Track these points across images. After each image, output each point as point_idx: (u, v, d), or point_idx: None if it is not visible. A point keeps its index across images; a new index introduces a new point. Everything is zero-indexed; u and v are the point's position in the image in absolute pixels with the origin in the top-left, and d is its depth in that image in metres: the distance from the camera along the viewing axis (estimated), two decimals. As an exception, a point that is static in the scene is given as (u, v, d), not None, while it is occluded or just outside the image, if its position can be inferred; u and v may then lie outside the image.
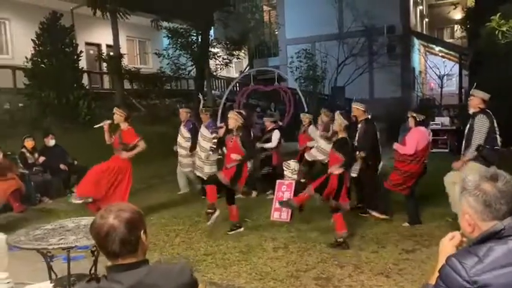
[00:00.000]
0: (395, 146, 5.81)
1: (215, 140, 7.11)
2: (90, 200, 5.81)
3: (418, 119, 5.73)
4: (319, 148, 6.73)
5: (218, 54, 18.50)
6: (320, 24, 20.80)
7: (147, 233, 1.70)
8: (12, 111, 12.55)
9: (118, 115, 6.23)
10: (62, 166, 8.48)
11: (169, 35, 17.29)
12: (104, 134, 6.24)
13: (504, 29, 5.25)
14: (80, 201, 5.84)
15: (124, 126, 6.24)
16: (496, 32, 5.30)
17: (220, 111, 12.57)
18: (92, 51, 18.45)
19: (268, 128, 8.06)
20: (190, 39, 17.36)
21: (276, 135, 7.74)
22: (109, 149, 6.29)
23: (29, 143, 8.29)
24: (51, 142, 8.67)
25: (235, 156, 5.66)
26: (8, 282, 2.66)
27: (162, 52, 17.85)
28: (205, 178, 7.36)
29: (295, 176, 6.73)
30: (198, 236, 5.72)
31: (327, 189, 5.04)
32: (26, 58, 12.83)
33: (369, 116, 6.40)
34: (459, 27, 22.40)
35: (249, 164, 6.21)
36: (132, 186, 6.30)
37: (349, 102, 11.79)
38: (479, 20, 9.65)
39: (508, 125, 7.30)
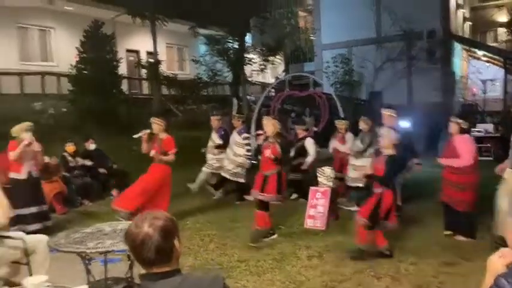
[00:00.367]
0: (445, 161, 5.45)
1: (248, 147, 7.17)
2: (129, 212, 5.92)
3: (463, 126, 5.41)
4: (355, 167, 6.74)
5: (254, 60, 18.61)
6: (357, 29, 20.52)
7: (181, 238, 1.71)
8: (56, 115, 13.07)
9: (156, 124, 6.30)
10: (101, 170, 8.74)
11: (207, 42, 17.57)
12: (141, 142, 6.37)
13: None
14: (124, 218, 5.76)
15: (163, 135, 6.32)
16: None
17: (255, 116, 12.60)
18: (132, 58, 19.00)
19: (300, 136, 7.99)
20: (226, 46, 17.56)
21: (310, 145, 7.65)
22: (147, 154, 6.42)
23: (70, 148, 8.59)
24: (91, 146, 8.95)
25: (270, 155, 5.53)
26: (47, 286, 2.73)
27: (199, 58, 18.16)
28: (229, 177, 7.51)
29: (331, 183, 6.63)
30: (232, 242, 5.72)
31: (373, 209, 4.80)
32: (71, 65, 13.38)
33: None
34: (504, 30, 21.52)
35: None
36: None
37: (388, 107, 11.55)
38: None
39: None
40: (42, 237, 3.97)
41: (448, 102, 21.05)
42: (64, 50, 15.76)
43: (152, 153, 6.31)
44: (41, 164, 6.40)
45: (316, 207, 6.38)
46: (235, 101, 8.87)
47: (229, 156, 7.78)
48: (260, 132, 6.15)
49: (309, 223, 6.32)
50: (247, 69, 18.57)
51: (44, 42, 16.75)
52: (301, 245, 5.46)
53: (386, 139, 4.90)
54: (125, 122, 13.24)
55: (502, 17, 22.42)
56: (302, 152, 7.65)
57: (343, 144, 7.68)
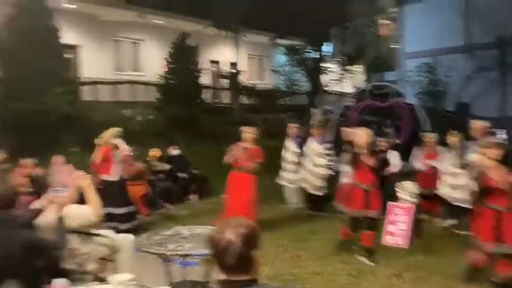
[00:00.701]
0: None
1: (330, 157, 7.04)
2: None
3: None
4: (456, 186, 6.30)
5: (332, 69, 18.41)
6: (443, 37, 19.42)
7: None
8: (143, 122, 13.91)
9: (248, 133, 6.28)
10: (182, 174, 9.12)
11: (286, 52, 17.75)
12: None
13: None
14: None
15: (251, 145, 6.28)
16: None
17: (333, 127, 12.40)
18: (215, 68, 19.74)
19: (383, 148, 7.69)
20: (304, 55, 17.59)
21: (394, 157, 7.34)
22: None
23: (155, 153, 9.07)
24: (174, 152, 9.39)
25: (371, 166, 5.22)
26: (132, 284, 2.88)
27: (278, 68, 18.37)
28: (314, 192, 7.36)
29: (415, 199, 6.28)
30: (307, 253, 5.64)
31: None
32: (160, 76, 14.27)
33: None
34: None
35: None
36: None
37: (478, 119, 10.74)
38: None
39: None
40: (129, 237, 4.21)
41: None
42: (152, 61, 16.81)
43: (239, 162, 6.24)
44: (133, 168, 6.82)
45: (397, 224, 6.08)
46: (314, 110, 8.81)
47: (308, 167, 7.68)
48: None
49: (388, 240, 6.04)
50: (325, 78, 18.41)
51: (135, 54, 17.98)
52: (380, 262, 5.23)
53: (494, 153, 4.29)
54: (206, 129, 13.74)
55: None
56: (384, 165, 7.36)
57: (432, 159, 7.24)
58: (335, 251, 5.56)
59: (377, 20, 23.41)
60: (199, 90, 14.78)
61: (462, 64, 18.84)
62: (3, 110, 10.06)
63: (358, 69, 20.54)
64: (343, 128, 7.81)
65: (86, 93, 13.65)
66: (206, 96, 16.14)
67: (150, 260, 4.40)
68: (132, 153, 6.58)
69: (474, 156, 4.90)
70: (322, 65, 17.79)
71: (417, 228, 6.20)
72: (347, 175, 6.27)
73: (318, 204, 7.72)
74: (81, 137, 10.22)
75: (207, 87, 16.51)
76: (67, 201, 3.54)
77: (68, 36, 12.59)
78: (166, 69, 14.31)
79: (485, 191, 4.26)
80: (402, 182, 6.67)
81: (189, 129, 13.40)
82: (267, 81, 21.02)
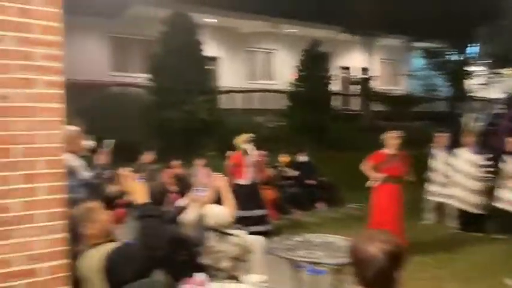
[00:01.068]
0: None
1: (488, 168, 6.32)
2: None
3: None
4: None
5: (478, 73, 16.68)
6: None
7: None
8: (274, 129, 14.33)
9: (394, 138, 5.75)
10: (309, 181, 9.12)
11: (424, 55, 16.64)
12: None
13: None
14: None
15: (397, 151, 5.77)
16: None
17: (481, 136, 11.18)
18: (345, 74, 19.45)
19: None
20: (445, 58, 16.25)
21: None
22: (357, 171, 6.25)
23: (284, 159, 9.24)
24: (302, 158, 9.45)
25: None
26: (265, 286, 2.93)
27: (413, 73, 17.32)
28: (470, 210, 6.67)
29: None
30: (450, 275, 5.12)
31: None
32: (290, 83, 14.58)
33: None
34: None
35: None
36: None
37: None
38: None
39: None
40: (260, 239, 4.33)
41: None
42: (284, 69, 17.26)
43: (387, 171, 5.75)
44: (264, 173, 7.05)
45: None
46: (465, 117, 8.03)
47: (459, 181, 6.98)
48: None
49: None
50: (470, 83, 16.75)
51: (267, 63, 18.67)
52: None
53: None
54: (334, 136, 13.56)
55: None
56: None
57: None
58: (483, 274, 4.97)
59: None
60: (329, 97, 14.70)
61: None
62: (154, 117, 11.35)
63: (510, 72, 18.27)
64: (509, 139, 6.92)
65: (223, 102, 14.58)
66: (335, 103, 15.98)
67: (278, 263, 4.46)
68: (262, 159, 6.79)
69: None
70: (465, 68, 16.23)
71: None
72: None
73: (471, 222, 6.91)
74: (218, 142, 10.97)
75: (336, 93, 16.34)
76: (207, 200, 3.78)
77: (209, 49, 13.60)
78: (297, 77, 14.53)
79: None
80: None
81: (317, 136, 13.38)
82: (401, 87, 19.96)
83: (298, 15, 15.84)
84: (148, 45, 13.90)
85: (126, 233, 3.34)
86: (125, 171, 2.62)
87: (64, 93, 2.39)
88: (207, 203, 3.79)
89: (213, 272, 3.85)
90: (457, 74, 15.96)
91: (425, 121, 16.49)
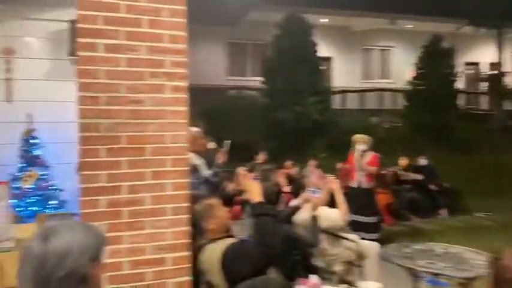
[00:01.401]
0: None
1: None
2: None
3: None
4: None
5: None
6: None
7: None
8: (390, 130, 13.71)
9: None
10: (432, 186, 8.51)
11: None
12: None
13: None
14: None
15: None
16: None
17: None
18: (470, 71, 17.83)
19: None
20: None
21: None
22: (486, 175, 5.71)
23: (402, 162, 8.77)
24: (422, 162, 8.87)
25: None
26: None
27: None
28: None
29: None
30: None
31: None
32: (407, 82, 13.81)
33: None
34: None
35: None
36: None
37: None
38: None
39: None
40: (375, 245, 4.18)
41: None
42: (401, 67, 16.41)
43: None
44: (378, 176, 6.73)
45: None
46: None
47: None
48: None
49: None
50: None
51: (383, 61, 17.93)
52: None
53: None
54: (458, 138, 12.50)
55: None
56: None
57: None
58: None
59: None
60: (453, 95, 13.59)
61: None
62: (267, 118, 11.67)
63: None
64: None
65: (336, 102, 14.38)
66: (459, 101, 14.71)
67: (394, 271, 4.25)
68: (376, 161, 6.50)
69: None
70: None
71: None
72: None
73: None
74: (330, 143, 10.86)
75: (461, 91, 15.04)
76: (320, 201, 3.76)
77: (322, 49, 13.54)
78: (415, 75, 13.70)
79: None
80: None
81: (438, 137, 12.46)
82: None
83: (415, 9, 14.90)
84: (263, 49, 14.32)
85: (241, 230, 3.48)
86: (242, 171, 2.73)
87: (187, 97, 2.57)
88: (320, 204, 3.77)
89: (325, 275, 3.82)
90: None
91: None
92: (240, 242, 2.51)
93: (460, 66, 15.01)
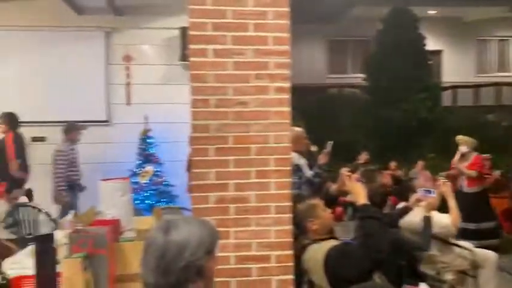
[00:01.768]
0: None
1: None
2: None
3: None
4: None
5: None
6: None
7: None
8: (508, 127, 12.44)
9: None
10: None
11: None
12: None
13: None
14: None
15: None
16: None
17: None
18: None
19: None
20: None
21: None
22: None
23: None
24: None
25: None
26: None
27: None
28: None
29: None
30: None
31: None
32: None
33: None
34: None
35: None
36: None
37: None
38: None
39: None
40: (492, 254, 3.83)
41: None
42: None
43: None
44: (491, 178, 6.21)
45: None
46: None
47: None
48: None
49: None
50: None
51: (501, 53, 16.26)
52: None
53: None
54: None
55: None
56: None
57: None
58: None
59: None
60: None
61: None
62: (369, 116, 11.30)
63: None
64: None
65: (446, 98, 13.43)
66: None
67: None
68: (485, 163, 5.93)
69: None
70: None
71: None
72: None
73: None
74: (438, 143, 10.16)
75: None
76: (434, 203, 3.54)
77: (430, 42, 12.75)
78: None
79: None
80: None
81: None
82: None
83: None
84: (365, 45, 13.90)
85: (343, 232, 3.42)
86: (346, 172, 2.69)
87: (290, 97, 2.60)
88: (435, 205, 3.56)
89: (434, 283, 3.60)
90: None
91: None
92: (344, 244, 2.48)
93: None
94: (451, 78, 14.45)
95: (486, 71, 15.97)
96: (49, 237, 1.94)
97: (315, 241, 2.55)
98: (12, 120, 5.73)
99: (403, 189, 5.45)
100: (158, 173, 6.65)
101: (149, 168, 6.59)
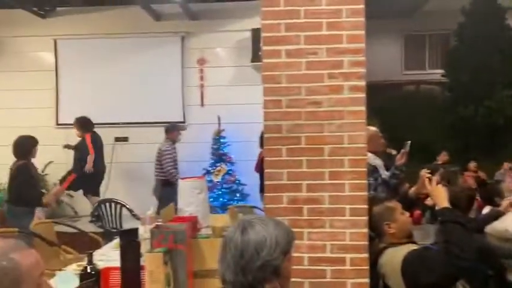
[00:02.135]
0: None
1: None
2: None
3: None
4: None
5: None
6: None
7: None
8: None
9: None
10: None
11: None
12: None
13: None
14: None
15: None
16: None
17: None
18: None
19: None
20: None
21: None
22: None
23: None
24: None
25: None
26: None
27: None
28: None
29: None
30: None
31: None
32: None
33: None
34: None
35: None
36: None
37: None
38: None
39: None
40: None
41: None
42: None
43: None
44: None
45: None
46: None
47: None
48: None
49: None
50: None
51: None
52: None
53: None
54: None
55: None
56: None
57: None
58: None
59: None
60: None
61: None
62: (450, 114, 10.66)
63: None
64: None
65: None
66: None
67: None
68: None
69: None
70: None
71: None
72: None
73: None
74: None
75: None
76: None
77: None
78: None
79: None
80: None
81: None
82: None
83: None
84: (444, 39, 13.14)
85: (422, 236, 3.25)
86: (426, 173, 2.55)
87: (365, 96, 2.53)
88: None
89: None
90: None
91: None
92: (424, 249, 2.35)
93: None
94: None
95: None
96: (133, 232, 2.05)
97: (392, 245, 2.45)
98: (84, 124, 6.24)
99: (489, 192, 5.08)
100: (230, 171, 6.80)
101: (222, 166, 6.77)
